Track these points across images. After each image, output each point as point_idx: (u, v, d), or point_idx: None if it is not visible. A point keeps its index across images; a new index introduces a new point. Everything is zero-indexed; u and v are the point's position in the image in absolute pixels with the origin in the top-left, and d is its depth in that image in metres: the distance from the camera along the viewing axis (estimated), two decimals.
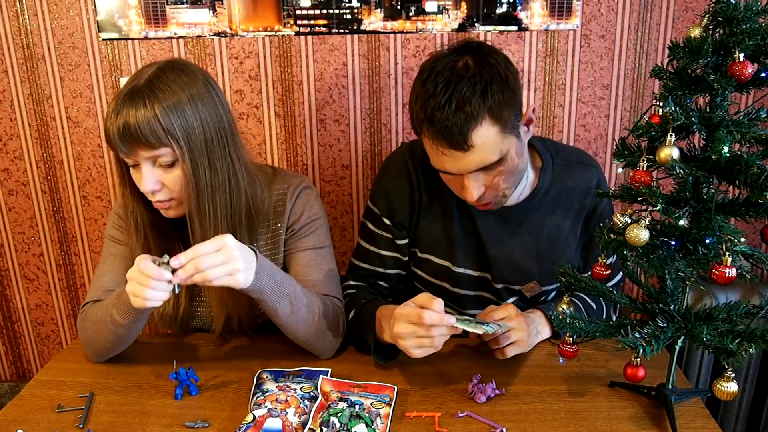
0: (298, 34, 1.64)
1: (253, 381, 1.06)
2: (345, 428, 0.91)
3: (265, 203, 1.17)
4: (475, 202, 1.10)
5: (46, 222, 1.87)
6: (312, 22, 1.62)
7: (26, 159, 1.80)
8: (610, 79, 1.67)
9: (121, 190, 1.11)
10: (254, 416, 0.93)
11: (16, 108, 1.75)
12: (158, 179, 1.04)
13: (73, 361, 1.16)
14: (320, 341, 1.13)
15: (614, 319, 1.15)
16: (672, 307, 0.94)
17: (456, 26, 1.61)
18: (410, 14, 1.61)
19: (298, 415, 0.95)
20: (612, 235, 0.89)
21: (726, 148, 0.80)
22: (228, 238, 0.96)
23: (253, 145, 1.75)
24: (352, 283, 1.30)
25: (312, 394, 1.01)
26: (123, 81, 1.69)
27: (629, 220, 0.87)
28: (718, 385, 0.88)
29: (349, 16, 1.61)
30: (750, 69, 0.80)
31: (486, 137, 0.99)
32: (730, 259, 0.80)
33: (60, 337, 2.02)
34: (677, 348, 0.95)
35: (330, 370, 1.10)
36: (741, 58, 0.80)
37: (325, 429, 0.91)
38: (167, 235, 1.16)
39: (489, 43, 1.06)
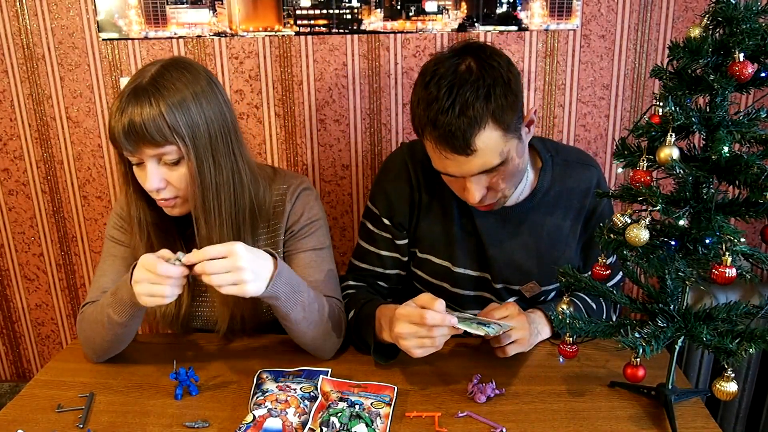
0: (298, 34, 1.64)
1: (253, 381, 1.06)
2: (345, 428, 0.91)
3: (266, 201, 1.17)
4: (477, 204, 1.10)
5: (46, 222, 1.87)
6: (312, 22, 1.62)
7: (26, 159, 1.80)
8: (610, 79, 1.67)
9: (124, 188, 1.11)
10: (254, 416, 0.93)
11: (16, 108, 1.75)
12: (163, 177, 1.04)
13: (73, 361, 1.16)
14: (324, 343, 1.13)
15: (614, 319, 1.15)
16: (672, 307, 0.94)
17: (456, 26, 1.61)
18: (410, 14, 1.61)
19: (298, 415, 0.95)
20: (612, 235, 0.89)
21: (726, 148, 0.80)
22: (238, 246, 0.95)
23: (253, 145, 1.75)
24: (351, 283, 1.30)
25: (312, 394, 1.01)
26: (123, 81, 1.69)
27: (629, 220, 0.87)
28: (717, 385, 0.88)
29: (349, 16, 1.61)
30: (750, 69, 0.80)
31: (489, 141, 0.99)
32: (730, 259, 0.80)
33: (60, 337, 2.02)
34: (677, 348, 0.95)
35: (330, 370, 1.10)
36: (741, 58, 0.80)
37: (325, 429, 0.91)
38: (170, 233, 1.16)
39: (490, 44, 1.05)
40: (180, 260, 0.96)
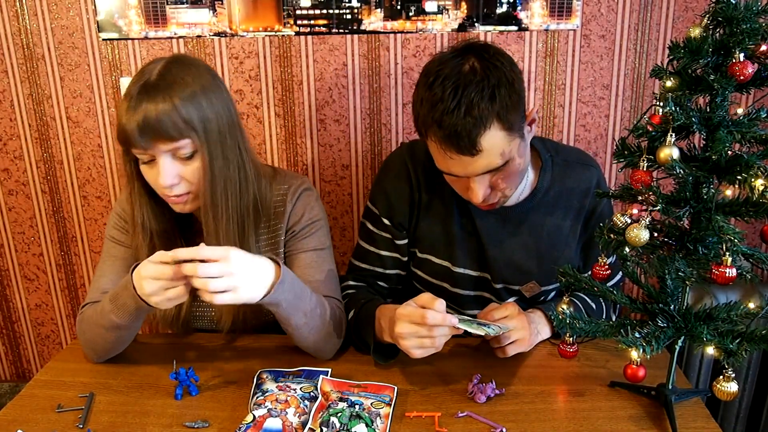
0: (298, 34, 1.64)
1: (253, 381, 1.06)
2: (345, 428, 0.91)
3: (268, 198, 1.18)
4: (480, 203, 1.10)
5: (46, 222, 1.87)
6: (312, 22, 1.62)
7: (26, 159, 1.80)
8: (610, 79, 1.67)
9: (128, 188, 1.10)
10: (254, 416, 0.93)
11: (16, 108, 1.75)
12: (177, 173, 1.04)
13: (73, 361, 1.16)
14: (325, 345, 1.13)
15: (614, 319, 1.15)
16: (672, 307, 0.94)
17: (456, 26, 1.61)
18: (410, 14, 1.60)
19: (298, 415, 0.95)
20: (612, 235, 0.90)
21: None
22: (234, 251, 0.95)
23: (253, 145, 1.73)
24: (351, 283, 1.30)
25: (312, 394, 1.01)
26: (123, 81, 1.69)
27: (629, 220, 0.87)
28: (718, 385, 0.88)
29: (349, 16, 1.61)
30: (750, 69, 0.80)
31: (494, 141, 0.99)
32: (730, 259, 0.80)
33: (60, 337, 2.02)
34: (677, 348, 0.95)
35: (330, 370, 1.10)
36: (741, 58, 0.80)
37: (325, 429, 0.91)
38: (173, 235, 1.16)
39: (492, 44, 1.06)
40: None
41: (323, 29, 1.62)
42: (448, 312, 0.99)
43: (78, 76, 1.71)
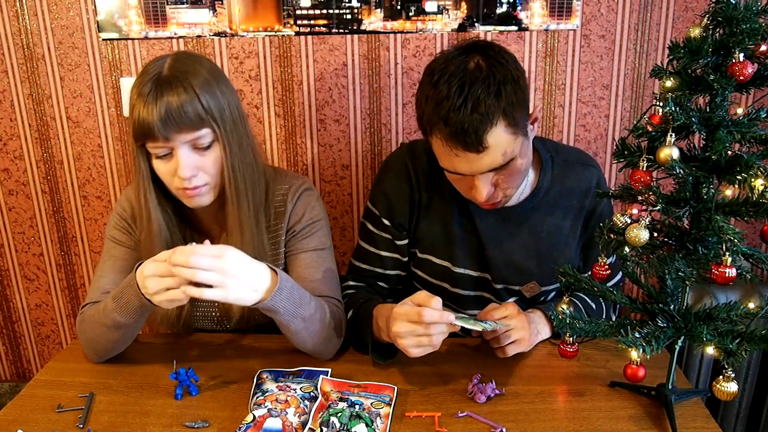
0: (298, 34, 1.64)
1: (253, 381, 1.06)
2: (345, 428, 0.91)
3: (271, 189, 1.19)
4: (483, 202, 1.10)
5: (46, 222, 1.87)
6: (312, 22, 1.62)
7: (26, 159, 1.80)
8: (610, 79, 1.67)
9: (142, 185, 1.09)
10: (254, 416, 0.93)
11: (16, 108, 1.75)
12: (196, 164, 1.04)
13: (73, 361, 1.16)
14: (325, 347, 1.13)
15: (614, 319, 1.15)
16: (672, 307, 0.94)
17: (456, 26, 1.61)
18: (410, 14, 1.60)
19: (298, 415, 0.95)
20: (612, 235, 0.90)
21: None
22: (231, 251, 0.95)
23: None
24: (351, 283, 1.30)
25: (312, 394, 1.01)
26: (123, 81, 1.70)
27: (629, 220, 0.87)
28: (718, 385, 0.88)
29: (349, 16, 1.61)
30: (750, 69, 0.80)
31: (500, 138, 0.99)
32: (730, 259, 0.80)
33: (60, 337, 2.02)
34: (677, 348, 0.95)
35: (330, 370, 1.10)
36: (741, 58, 0.80)
37: (325, 429, 0.91)
38: (178, 230, 1.17)
39: (496, 42, 1.06)
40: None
41: (323, 29, 1.62)
42: (444, 309, 0.99)
43: (78, 76, 1.71)
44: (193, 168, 1.04)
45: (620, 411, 0.98)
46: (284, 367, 1.11)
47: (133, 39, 1.66)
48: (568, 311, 0.99)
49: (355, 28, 1.62)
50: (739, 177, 0.81)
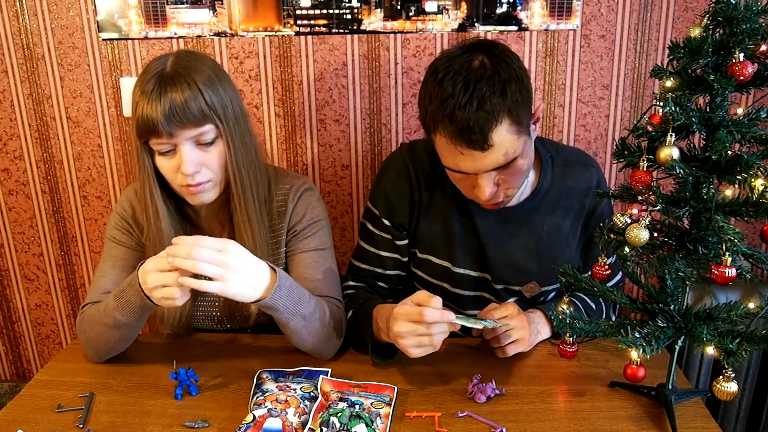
0: (298, 34, 1.64)
1: (253, 381, 1.06)
2: (345, 428, 0.91)
3: (271, 184, 1.20)
4: (486, 202, 1.10)
5: (46, 222, 1.87)
6: (312, 22, 1.62)
7: (26, 159, 1.80)
8: (610, 79, 1.67)
9: (148, 182, 1.09)
10: (254, 416, 0.93)
11: (16, 108, 1.75)
12: (199, 160, 1.05)
13: (73, 361, 1.16)
14: (325, 347, 1.13)
15: (614, 319, 1.15)
16: (672, 307, 0.94)
17: (456, 26, 1.61)
18: (410, 14, 1.60)
19: (298, 415, 0.95)
20: (612, 235, 0.90)
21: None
22: (232, 245, 0.96)
23: None
24: (351, 283, 1.30)
25: (312, 394, 1.01)
26: (123, 81, 1.70)
27: (629, 220, 0.87)
28: (718, 385, 0.88)
29: (349, 16, 1.61)
30: (750, 69, 0.80)
31: (504, 136, 0.99)
32: (730, 259, 0.80)
33: (60, 337, 2.02)
34: (677, 348, 0.95)
35: (330, 370, 1.10)
36: (741, 58, 0.80)
37: (325, 429, 0.91)
38: (181, 228, 1.17)
39: (499, 41, 1.06)
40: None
41: (323, 29, 1.62)
42: (444, 309, 1.00)
43: (78, 76, 1.71)
44: (196, 164, 1.04)
45: (620, 411, 0.98)
46: (284, 367, 1.11)
47: (133, 39, 1.66)
48: (568, 311, 0.99)
49: (355, 28, 1.62)
50: (739, 177, 0.81)
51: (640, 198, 0.86)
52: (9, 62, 1.70)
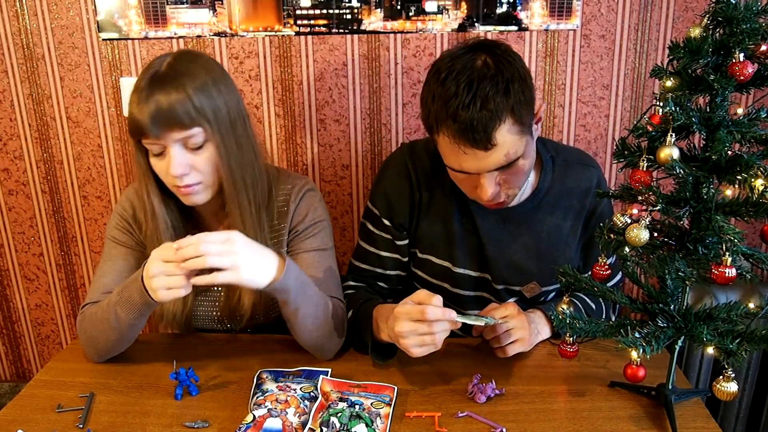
0: (298, 34, 1.64)
1: (253, 381, 1.06)
2: (345, 428, 0.91)
3: (272, 185, 1.20)
4: (488, 201, 1.10)
5: (46, 222, 1.87)
6: (312, 22, 1.62)
7: (26, 159, 1.80)
8: (610, 79, 1.67)
9: (144, 181, 1.10)
10: (254, 416, 0.93)
11: (16, 108, 1.75)
12: (187, 162, 1.05)
13: (73, 361, 1.16)
14: (328, 343, 1.13)
15: (614, 319, 1.15)
16: (672, 307, 0.94)
17: (456, 26, 1.61)
18: (410, 14, 1.60)
19: (298, 415, 0.95)
20: (612, 235, 0.90)
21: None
22: (236, 234, 0.98)
23: None
24: (351, 283, 1.30)
25: (312, 394, 1.01)
26: (123, 81, 1.69)
27: (629, 220, 0.87)
28: (718, 385, 0.88)
29: (349, 16, 1.61)
30: (750, 69, 0.80)
31: (507, 136, 0.99)
32: (730, 259, 0.80)
33: (60, 337, 2.02)
34: (677, 348, 0.95)
35: (330, 370, 1.10)
36: (741, 58, 0.80)
37: (325, 429, 0.91)
38: (183, 230, 1.17)
39: (501, 41, 1.06)
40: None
41: (323, 29, 1.62)
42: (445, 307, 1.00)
43: (78, 76, 1.71)
44: (184, 166, 1.04)
45: (620, 411, 0.98)
46: (284, 367, 1.11)
47: (133, 39, 1.66)
48: (568, 311, 0.99)
49: (355, 28, 1.62)
50: (739, 177, 0.81)
51: (640, 198, 0.86)
52: (9, 62, 1.70)
